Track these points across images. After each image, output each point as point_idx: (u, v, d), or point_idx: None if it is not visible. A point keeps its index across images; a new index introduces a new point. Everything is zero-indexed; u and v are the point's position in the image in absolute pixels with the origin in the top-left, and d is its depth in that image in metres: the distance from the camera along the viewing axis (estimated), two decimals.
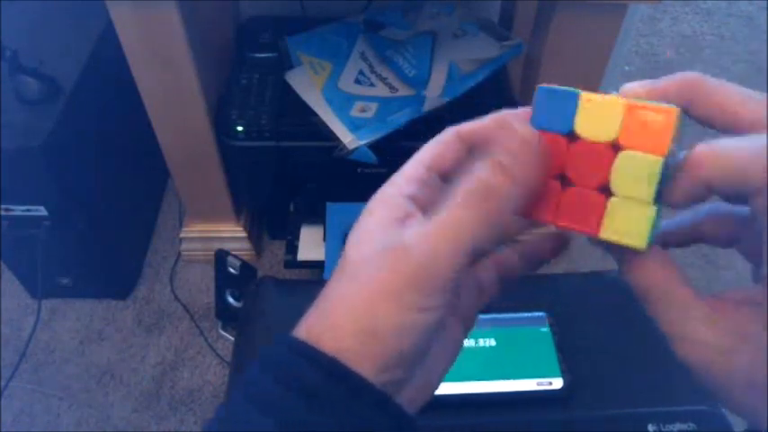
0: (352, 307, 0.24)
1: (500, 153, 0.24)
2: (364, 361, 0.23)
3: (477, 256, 0.24)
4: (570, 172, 0.25)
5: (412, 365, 0.24)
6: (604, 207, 0.24)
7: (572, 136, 0.25)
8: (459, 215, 0.24)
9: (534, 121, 0.25)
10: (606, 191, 0.24)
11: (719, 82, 0.24)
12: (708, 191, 0.23)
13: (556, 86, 0.25)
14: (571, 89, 0.25)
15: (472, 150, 0.27)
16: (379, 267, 0.24)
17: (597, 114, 0.24)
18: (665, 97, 0.24)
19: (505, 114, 0.27)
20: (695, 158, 0.23)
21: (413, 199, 0.26)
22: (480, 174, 0.24)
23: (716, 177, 0.22)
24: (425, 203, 0.26)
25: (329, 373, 0.23)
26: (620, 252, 0.25)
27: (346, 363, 0.23)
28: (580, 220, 0.24)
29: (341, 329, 0.23)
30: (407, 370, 0.24)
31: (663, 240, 0.28)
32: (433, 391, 0.28)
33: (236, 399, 0.24)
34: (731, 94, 0.24)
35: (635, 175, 0.23)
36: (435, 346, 0.27)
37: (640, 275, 0.25)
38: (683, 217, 0.28)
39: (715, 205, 0.27)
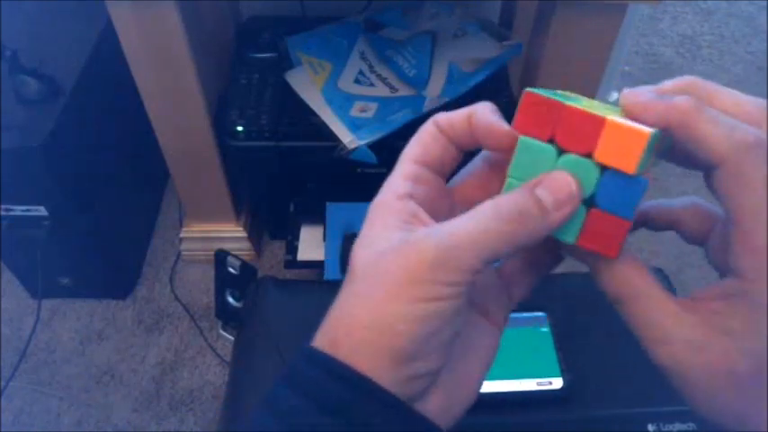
0: (365, 306, 0.24)
1: (544, 191, 0.24)
2: (380, 356, 0.24)
3: (491, 263, 0.25)
4: (560, 137, 0.25)
5: (431, 359, 0.24)
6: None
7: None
8: (485, 226, 0.24)
9: (517, 125, 0.26)
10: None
11: (715, 86, 0.25)
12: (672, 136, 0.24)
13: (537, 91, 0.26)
14: (553, 93, 0.25)
15: (459, 147, 0.28)
16: (387, 265, 0.24)
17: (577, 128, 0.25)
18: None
19: (478, 108, 0.28)
20: (685, 109, 0.23)
21: (412, 197, 0.26)
22: (518, 198, 0.24)
23: (689, 138, 0.23)
24: (425, 199, 0.27)
25: (351, 387, 0.23)
26: (593, 259, 0.26)
27: (362, 366, 0.23)
28: (600, 242, 0.25)
29: (356, 328, 0.24)
30: (427, 364, 0.24)
31: (643, 220, 0.29)
32: (471, 398, 0.28)
33: (264, 415, 0.24)
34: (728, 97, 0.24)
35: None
36: (466, 348, 0.27)
37: (611, 279, 0.26)
38: (665, 201, 0.29)
39: (697, 200, 0.28)
